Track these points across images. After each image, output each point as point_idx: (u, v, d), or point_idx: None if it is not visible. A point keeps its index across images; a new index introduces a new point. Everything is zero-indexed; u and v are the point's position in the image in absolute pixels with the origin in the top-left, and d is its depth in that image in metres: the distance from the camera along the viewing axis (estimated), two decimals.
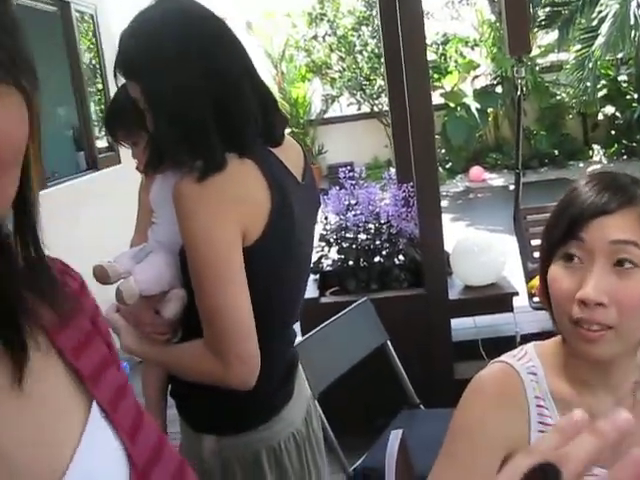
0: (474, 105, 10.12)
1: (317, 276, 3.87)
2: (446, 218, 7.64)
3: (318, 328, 2.64)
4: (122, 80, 1.55)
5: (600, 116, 10.37)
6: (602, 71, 10.22)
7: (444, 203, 8.51)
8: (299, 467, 1.64)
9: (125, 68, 1.50)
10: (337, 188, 3.86)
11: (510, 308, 3.78)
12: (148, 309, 1.56)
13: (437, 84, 10.17)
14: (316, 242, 3.83)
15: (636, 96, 10.19)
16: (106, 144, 5.93)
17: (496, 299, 3.76)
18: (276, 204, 1.46)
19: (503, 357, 1.34)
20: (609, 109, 10.28)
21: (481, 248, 3.93)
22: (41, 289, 0.68)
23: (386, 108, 9.60)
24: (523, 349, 1.35)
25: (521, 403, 1.28)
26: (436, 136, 8.91)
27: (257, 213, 1.44)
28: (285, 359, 1.67)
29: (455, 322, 3.80)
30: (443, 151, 9.83)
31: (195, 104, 1.43)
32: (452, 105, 10.10)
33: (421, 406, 2.96)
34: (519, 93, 4.08)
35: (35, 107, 0.59)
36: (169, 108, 1.44)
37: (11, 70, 0.55)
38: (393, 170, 4.47)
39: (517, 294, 3.74)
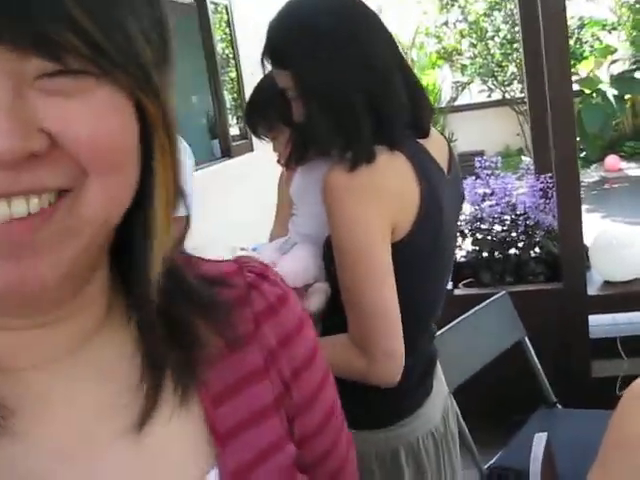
0: (611, 91, 9.73)
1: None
2: (582, 209, 7.42)
3: (455, 321, 2.59)
4: (266, 69, 1.55)
5: None
6: None
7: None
8: (436, 465, 1.62)
9: (276, 56, 1.49)
10: (473, 178, 3.78)
11: None
12: None
13: (572, 70, 9.85)
14: None
15: None
16: (239, 132, 6.04)
17: (637, 296, 3.60)
18: (425, 198, 1.43)
19: None
20: None
21: (622, 242, 3.77)
22: (205, 311, 0.60)
23: (518, 95, 9.38)
24: None
25: None
26: None
27: (407, 207, 1.42)
28: (426, 355, 1.65)
29: (592, 318, 3.67)
30: (578, 139, 9.54)
31: (348, 93, 1.41)
32: (587, 92, 9.76)
33: (558, 405, 2.86)
34: None
35: (155, 107, 0.52)
36: (322, 96, 1.42)
37: (116, 61, 0.48)
38: (528, 159, 4.34)
39: None
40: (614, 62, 10.60)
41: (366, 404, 1.56)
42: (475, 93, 10.41)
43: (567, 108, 3.48)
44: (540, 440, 1.82)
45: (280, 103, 1.54)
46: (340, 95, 1.41)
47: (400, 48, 1.57)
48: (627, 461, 1.20)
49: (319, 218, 1.45)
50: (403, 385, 1.48)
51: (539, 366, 2.84)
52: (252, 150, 5.88)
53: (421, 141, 1.52)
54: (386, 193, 1.39)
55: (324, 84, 1.42)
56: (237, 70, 6.28)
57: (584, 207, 7.56)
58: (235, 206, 5.39)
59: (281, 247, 1.58)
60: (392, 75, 1.45)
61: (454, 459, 1.70)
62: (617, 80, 9.98)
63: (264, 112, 1.80)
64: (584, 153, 9.68)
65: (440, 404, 1.66)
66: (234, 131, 6.06)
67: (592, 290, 3.63)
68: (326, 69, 1.41)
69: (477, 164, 3.73)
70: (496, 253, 3.65)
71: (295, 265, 1.52)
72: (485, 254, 3.66)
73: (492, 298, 2.78)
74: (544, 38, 3.43)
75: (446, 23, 10.40)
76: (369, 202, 1.38)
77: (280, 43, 1.47)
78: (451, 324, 2.57)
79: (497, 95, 10.06)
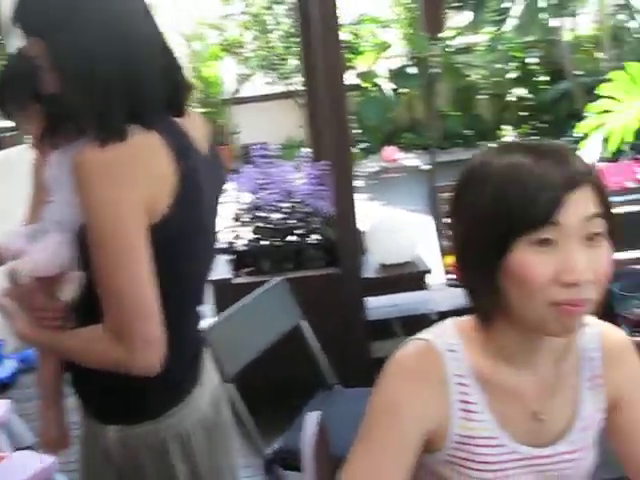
0: (388, 86, 10.13)
1: (231, 256, 3.80)
2: (362, 198, 7.66)
3: (231, 309, 2.57)
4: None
5: (511, 98, 10.53)
6: (513, 53, 10.37)
7: (360, 183, 8.49)
8: (208, 455, 1.58)
9: (28, 23, 1.38)
10: (250, 166, 3.79)
11: (425, 286, 3.80)
12: (41, 292, 1.46)
13: (352, 64, 10.14)
14: (229, 222, 3.76)
15: (545, 78, 10.38)
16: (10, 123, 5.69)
17: (411, 277, 3.78)
18: (182, 178, 1.39)
19: (422, 334, 1.31)
20: (519, 91, 10.44)
21: (395, 227, 3.93)
22: None
23: (301, 88, 9.51)
24: (442, 325, 1.32)
25: (441, 380, 1.24)
26: (351, 116, 8.92)
27: (163, 188, 1.37)
28: (192, 342, 1.61)
29: (370, 301, 3.79)
30: (358, 131, 9.83)
31: (101, 66, 1.33)
32: (366, 85, 10.10)
33: (338, 386, 2.93)
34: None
35: None
36: (72, 68, 1.34)
37: None
38: (307, 149, 4.42)
39: (430, 272, 3.75)
40: (391, 58, 11.06)
41: (131, 396, 1.50)
42: (259, 85, 10.48)
43: (340, 99, 3.58)
44: (312, 419, 1.84)
45: (33, 76, 1.43)
46: (92, 68, 1.33)
47: (182, 39, 1.52)
48: (386, 424, 1.24)
49: (74, 204, 1.37)
50: (169, 373, 1.43)
51: (318, 349, 2.89)
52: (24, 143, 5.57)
53: (179, 120, 1.48)
54: (139, 173, 1.33)
55: (76, 55, 1.33)
56: None
57: (365, 195, 7.88)
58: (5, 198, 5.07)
59: (31, 234, 1.48)
60: (148, 51, 1.40)
61: (229, 448, 1.68)
62: (394, 75, 10.39)
63: (15, 86, 1.68)
64: (364, 144, 10.01)
65: (210, 392, 1.63)
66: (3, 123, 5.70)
67: (368, 273, 3.76)
68: (79, 39, 1.32)
69: (253, 152, 3.74)
70: (276, 241, 3.68)
71: (46, 253, 1.43)
72: (265, 242, 3.68)
73: (268, 285, 2.79)
74: (318, 33, 3.50)
75: (228, 15, 10.39)
76: (121, 183, 1.31)
77: (30, 8, 1.37)
78: (227, 312, 2.55)
79: (280, 88, 10.18)
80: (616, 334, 1.39)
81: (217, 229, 1.63)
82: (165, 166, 1.37)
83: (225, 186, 1.71)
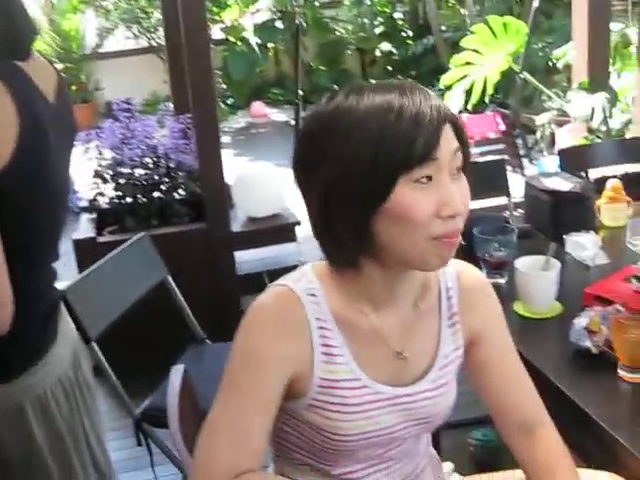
0: (254, 40, 10.01)
1: (93, 215, 3.68)
2: (229, 154, 7.59)
3: (92, 267, 2.48)
4: None
5: (377, 52, 10.63)
6: (379, 8, 10.45)
7: (227, 139, 8.41)
8: (69, 414, 1.53)
9: None
10: (111, 121, 3.66)
11: (294, 238, 3.81)
12: None
13: (217, 18, 9.95)
14: (91, 179, 3.63)
15: (411, 34, 10.51)
16: None
17: (279, 230, 3.77)
18: (26, 126, 1.31)
19: (281, 280, 1.29)
20: (386, 46, 10.54)
21: (262, 180, 3.91)
22: None
23: (164, 43, 9.22)
24: (301, 271, 1.31)
25: (302, 325, 1.24)
26: (217, 71, 8.77)
27: (4, 134, 1.29)
28: (46, 299, 1.53)
29: (240, 255, 3.77)
30: (224, 87, 9.69)
31: None
32: (232, 40, 9.94)
33: (208, 341, 2.89)
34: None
35: None
36: None
37: None
38: (170, 104, 4.31)
39: (300, 224, 3.75)
40: (257, 12, 10.91)
41: None
42: (121, 40, 10.12)
43: (204, 54, 3.50)
44: (176, 373, 1.80)
45: None
46: None
47: None
48: (248, 370, 1.22)
49: None
50: (24, 332, 1.37)
51: (185, 305, 2.84)
52: None
53: (25, 69, 1.39)
54: None
55: None
56: None
57: (232, 151, 7.81)
58: None
59: None
60: None
61: (91, 408, 1.62)
62: (260, 29, 10.28)
63: None
64: (231, 100, 9.89)
65: (68, 350, 1.56)
66: None
67: (237, 227, 3.73)
68: None
69: (115, 107, 3.62)
70: (140, 197, 3.58)
71: None
72: (129, 199, 3.58)
73: (130, 241, 2.71)
74: None
75: None
76: None
77: None
78: (88, 270, 2.46)
79: (144, 42, 9.88)
80: (472, 273, 1.42)
81: (70, 181, 1.55)
82: (6, 114, 1.29)
83: (77, 137, 1.63)
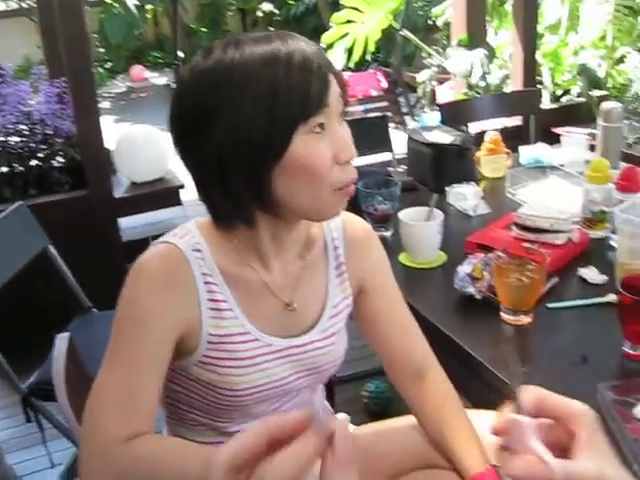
0: (132, 1, 9.73)
1: None
2: (110, 120, 7.39)
3: None
4: None
5: (259, 13, 10.53)
6: None
7: (106, 104, 8.19)
8: None
9: None
10: None
11: (179, 201, 3.75)
12: None
13: None
14: None
15: None
16: None
17: (164, 193, 3.70)
18: None
19: (164, 237, 1.27)
20: (267, 6, 10.45)
21: (144, 142, 3.81)
22: None
23: (34, 5, 8.82)
24: (185, 227, 1.28)
25: (188, 282, 1.21)
26: (94, 34, 8.47)
27: None
28: None
29: (126, 221, 3.68)
30: (102, 50, 9.40)
31: None
32: (109, 1, 9.64)
33: (94, 310, 2.82)
34: None
35: None
36: None
37: None
38: (43, 67, 4.13)
39: (184, 187, 3.69)
40: None
41: None
42: None
43: (77, 15, 3.36)
44: (61, 342, 1.75)
45: None
46: None
47: None
48: (135, 331, 1.17)
49: None
50: None
51: (69, 275, 2.76)
52: None
53: None
54: None
55: None
56: None
57: (113, 117, 7.60)
58: None
59: None
60: None
61: None
62: None
63: None
64: (110, 64, 9.62)
65: None
66: None
67: (119, 193, 3.64)
68: None
69: None
70: (16, 166, 3.44)
71: None
72: (4, 169, 3.43)
73: (6, 212, 2.60)
74: None
75: None
76: None
77: None
78: None
79: (13, 5, 9.43)
80: (357, 223, 1.44)
81: None
82: None
83: None
